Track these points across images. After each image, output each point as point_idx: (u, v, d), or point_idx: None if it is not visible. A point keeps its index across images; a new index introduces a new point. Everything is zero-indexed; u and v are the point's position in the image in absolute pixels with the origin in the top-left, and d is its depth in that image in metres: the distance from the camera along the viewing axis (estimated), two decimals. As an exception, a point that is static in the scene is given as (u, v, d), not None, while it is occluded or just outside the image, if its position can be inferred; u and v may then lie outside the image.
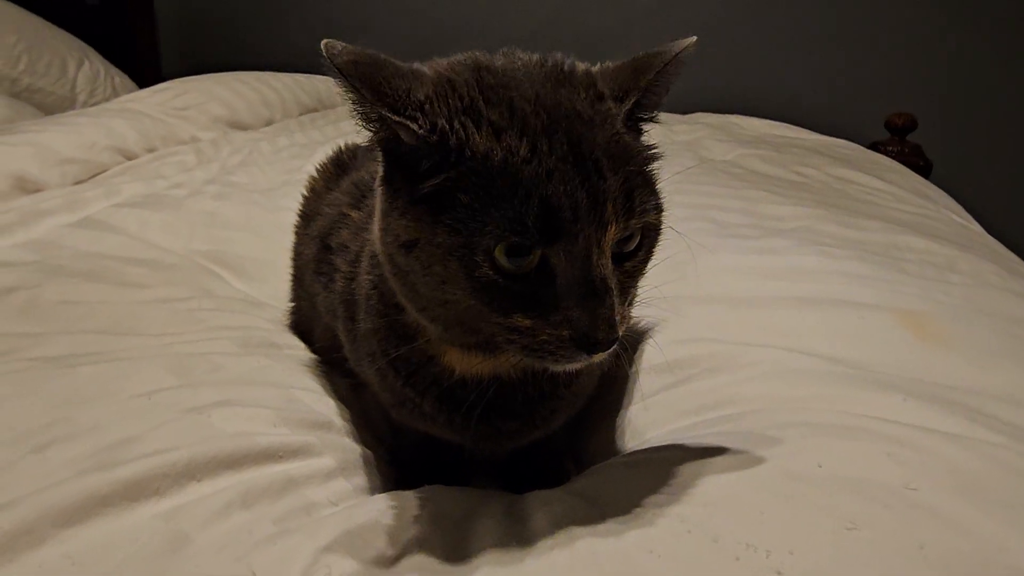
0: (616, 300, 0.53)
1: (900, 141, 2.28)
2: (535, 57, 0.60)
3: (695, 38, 0.57)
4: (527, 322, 0.52)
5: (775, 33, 2.65)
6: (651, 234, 0.57)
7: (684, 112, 2.52)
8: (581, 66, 0.60)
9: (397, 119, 0.51)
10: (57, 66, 2.19)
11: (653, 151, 0.58)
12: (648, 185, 0.56)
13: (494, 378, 0.64)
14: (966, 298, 1.00)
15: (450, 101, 0.53)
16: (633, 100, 0.57)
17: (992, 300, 1.02)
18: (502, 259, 0.51)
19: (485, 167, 0.51)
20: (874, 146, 2.27)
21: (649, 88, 0.58)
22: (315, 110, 2.27)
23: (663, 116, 2.37)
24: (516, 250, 0.51)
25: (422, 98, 0.53)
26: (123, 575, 0.52)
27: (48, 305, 0.93)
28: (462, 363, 0.65)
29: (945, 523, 0.53)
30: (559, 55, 0.60)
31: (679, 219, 1.32)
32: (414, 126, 0.51)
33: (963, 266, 1.15)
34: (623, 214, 0.53)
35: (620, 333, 0.53)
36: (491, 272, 0.51)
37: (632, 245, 0.55)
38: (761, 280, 1.04)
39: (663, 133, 2.33)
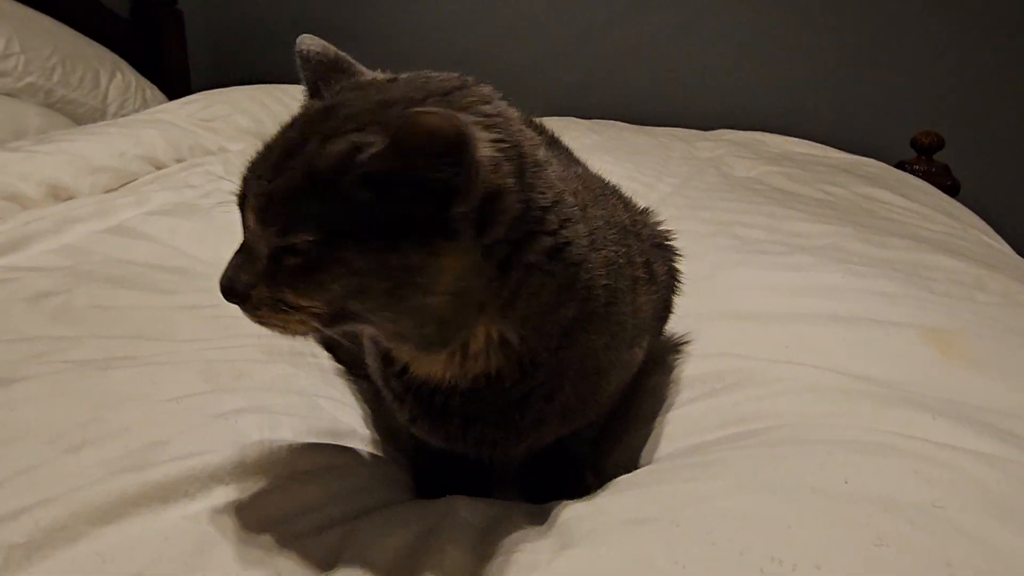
0: (243, 264, 0.58)
1: (926, 160, 2.26)
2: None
3: None
4: None
5: (799, 50, 2.65)
6: (315, 252, 0.55)
7: (707, 128, 2.52)
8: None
9: None
10: (90, 78, 2.23)
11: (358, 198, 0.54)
12: (313, 204, 0.55)
13: (452, 384, 0.64)
14: (994, 317, 1.00)
15: None
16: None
17: (1022, 320, 1.01)
18: None
19: None
20: (900, 165, 2.26)
21: None
22: (341, 123, 2.29)
23: (685, 132, 2.37)
24: None
25: None
26: (152, 574, 0.53)
27: (80, 309, 0.94)
28: (416, 366, 0.65)
29: (973, 541, 0.52)
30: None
31: (702, 234, 1.34)
32: None
33: (992, 285, 1.14)
34: (257, 211, 0.57)
35: (240, 292, 0.58)
36: None
37: (294, 248, 0.56)
38: (786, 297, 1.04)
39: (685, 149, 2.33)
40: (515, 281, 0.59)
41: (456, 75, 0.62)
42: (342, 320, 0.57)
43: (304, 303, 0.56)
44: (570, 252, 0.62)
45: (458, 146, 0.51)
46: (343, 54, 0.68)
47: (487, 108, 0.59)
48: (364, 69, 0.67)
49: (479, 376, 0.63)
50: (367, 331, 0.66)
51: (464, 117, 0.53)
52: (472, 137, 0.52)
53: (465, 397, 0.64)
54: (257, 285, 0.58)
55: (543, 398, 0.65)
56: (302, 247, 0.54)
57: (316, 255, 0.54)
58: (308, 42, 0.66)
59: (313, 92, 0.65)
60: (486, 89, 0.61)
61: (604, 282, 0.65)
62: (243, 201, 0.59)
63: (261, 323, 0.59)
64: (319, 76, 0.65)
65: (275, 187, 0.56)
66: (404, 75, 0.63)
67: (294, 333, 0.59)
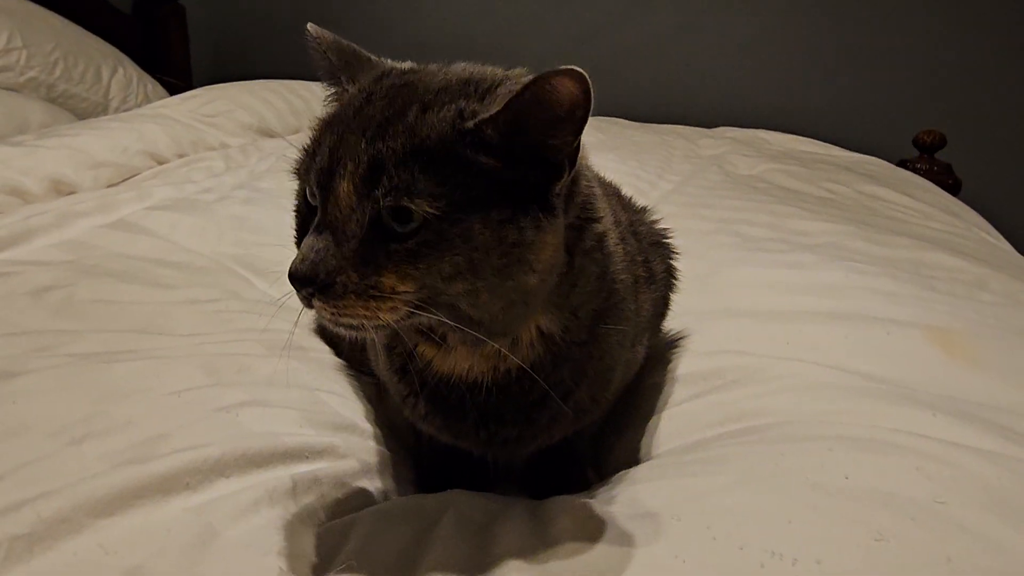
0: (325, 246, 0.52)
1: (929, 159, 2.26)
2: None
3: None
4: None
5: (802, 48, 2.65)
6: (432, 225, 0.51)
7: (709, 126, 2.52)
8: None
9: None
10: (92, 73, 2.24)
11: (474, 158, 0.53)
12: (428, 171, 0.52)
13: (475, 381, 0.64)
14: (997, 316, 1.00)
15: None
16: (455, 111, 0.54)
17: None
18: (300, 199, 0.59)
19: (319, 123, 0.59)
20: (902, 164, 2.26)
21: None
22: (342, 119, 2.30)
23: (687, 130, 2.36)
24: (303, 192, 0.58)
25: None
26: (154, 566, 0.53)
27: (83, 304, 0.94)
28: (439, 361, 0.64)
29: (974, 537, 0.52)
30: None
31: (704, 232, 1.34)
32: None
33: (994, 285, 1.14)
34: (361, 176, 0.52)
35: (322, 279, 0.52)
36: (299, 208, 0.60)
37: (406, 227, 0.52)
38: (788, 294, 1.04)
39: (687, 147, 2.33)
40: (577, 267, 0.61)
41: (494, 67, 0.62)
42: (427, 307, 0.54)
43: (402, 287, 0.53)
44: (608, 241, 0.64)
45: (584, 109, 0.51)
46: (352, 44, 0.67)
47: None
48: (365, 55, 0.66)
49: (511, 370, 0.63)
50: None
51: None
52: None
53: (487, 394, 0.64)
54: (344, 270, 0.52)
55: (560, 396, 0.66)
56: (418, 217, 0.51)
57: (435, 228, 0.51)
58: (320, 31, 0.65)
59: (338, 80, 0.64)
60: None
61: (621, 276, 0.67)
62: (327, 173, 0.54)
63: (339, 316, 0.53)
64: (342, 63, 0.64)
65: (381, 150, 0.52)
66: (445, 65, 0.63)
67: (376, 325, 0.54)
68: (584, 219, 0.61)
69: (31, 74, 2.05)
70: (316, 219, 0.54)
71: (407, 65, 0.64)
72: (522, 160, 0.53)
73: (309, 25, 0.64)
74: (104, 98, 2.26)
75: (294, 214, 0.60)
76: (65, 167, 1.42)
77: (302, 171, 0.58)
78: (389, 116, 0.54)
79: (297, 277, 0.52)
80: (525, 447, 0.70)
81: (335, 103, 0.63)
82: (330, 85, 0.65)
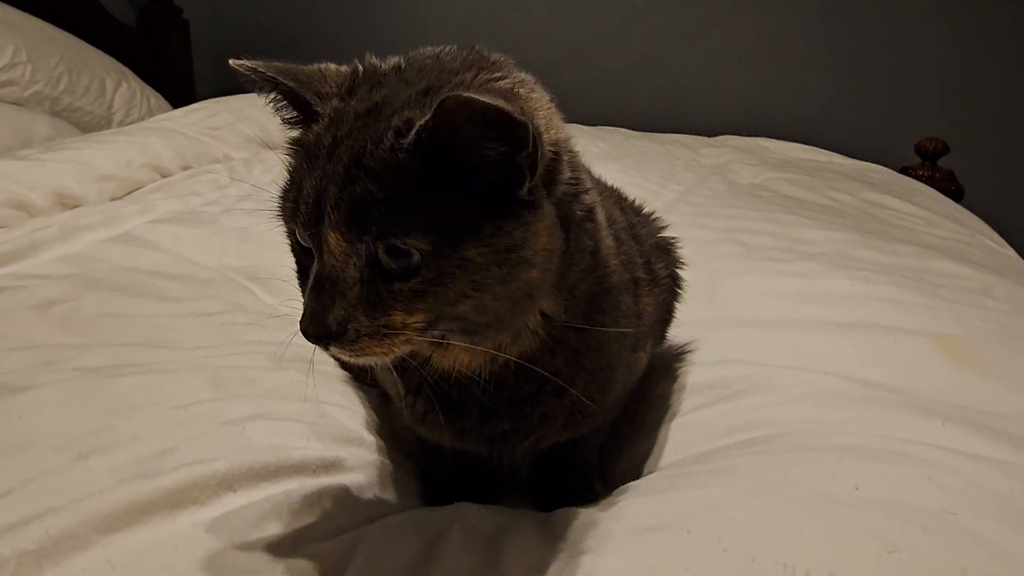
0: (329, 299, 0.52)
1: (931, 166, 2.26)
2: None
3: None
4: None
5: (803, 56, 2.65)
6: (430, 262, 0.51)
7: (712, 135, 2.53)
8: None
9: None
10: (96, 86, 2.24)
11: (440, 181, 0.51)
12: (408, 206, 0.51)
13: (474, 375, 0.63)
14: (1003, 324, 1.00)
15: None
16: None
17: (1029, 326, 1.01)
18: (292, 239, 0.58)
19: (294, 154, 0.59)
20: (904, 171, 2.26)
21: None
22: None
23: (690, 139, 2.35)
24: (294, 233, 0.57)
25: None
26: (163, 582, 0.53)
27: (88, 317, 0.94)
28: (438, 358, 0.63)
29: (987, 547, 0.52)
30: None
31: (708, 241, 1.34)
32: None
33: (999, 292, 1.14)
34: (345, 223, 0.52)
35: (335, 330, 0.52)
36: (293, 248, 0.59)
37: (404, 264, 0.51)
38: (793, 303, 1.04)
39: (690, 156, 2.33)
40: (573, 243, 0.60)
41: (467, 51, 0.62)
42: (434, 327, 0.54)
43: (412, 320, 0.53)
44: (598, 215, 0.64)
45: (506, 126, 0.49)
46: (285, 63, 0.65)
47: (521, 76, 0.60)
48: (307, 68, 0.64)
49: (509, 362, 0.62)
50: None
51: (515, 103, 0.50)
52: (532, 122, 0.50)
53: (485, 384, 0.64)
54: (354, 317, 0.52)
55: (555, 393, 0.65)
56: (415, 254, 0.51)
57: (433, 265, 0.51)
58: (240, 62, 0.62)
59: (291, 102, 0.63)
60: (501, 56, 0.62)
61: (613, 263, 0.67)
62: (314, 221, 0.53)
63: (357, 356, 0.54)
64: (285, 77, 0.61)
65: (357, 194, 0.51)
66: (404, 60, 0.62)
67: (394, 356, 0.54)
68: (571, 194, 0.60)
69: (36, 88, 2.06)
70: (315, 267, 0.54)
71: (391, 62, 0.62)
72: (479, 170, 0.52)
73: (230, 60, 0.61)
74: (108, 111, 2.27)
75: (291, 253, 0.60)
76: (70, 180, 1.42)
77: (286, 216, 0.57)
78: (358, 153, 0.52)
79: (310, 335, 0.53)
80: (520, 444, 0.69)
81: (300, 129, 0.61)
82: (281, 108, 0.63)
